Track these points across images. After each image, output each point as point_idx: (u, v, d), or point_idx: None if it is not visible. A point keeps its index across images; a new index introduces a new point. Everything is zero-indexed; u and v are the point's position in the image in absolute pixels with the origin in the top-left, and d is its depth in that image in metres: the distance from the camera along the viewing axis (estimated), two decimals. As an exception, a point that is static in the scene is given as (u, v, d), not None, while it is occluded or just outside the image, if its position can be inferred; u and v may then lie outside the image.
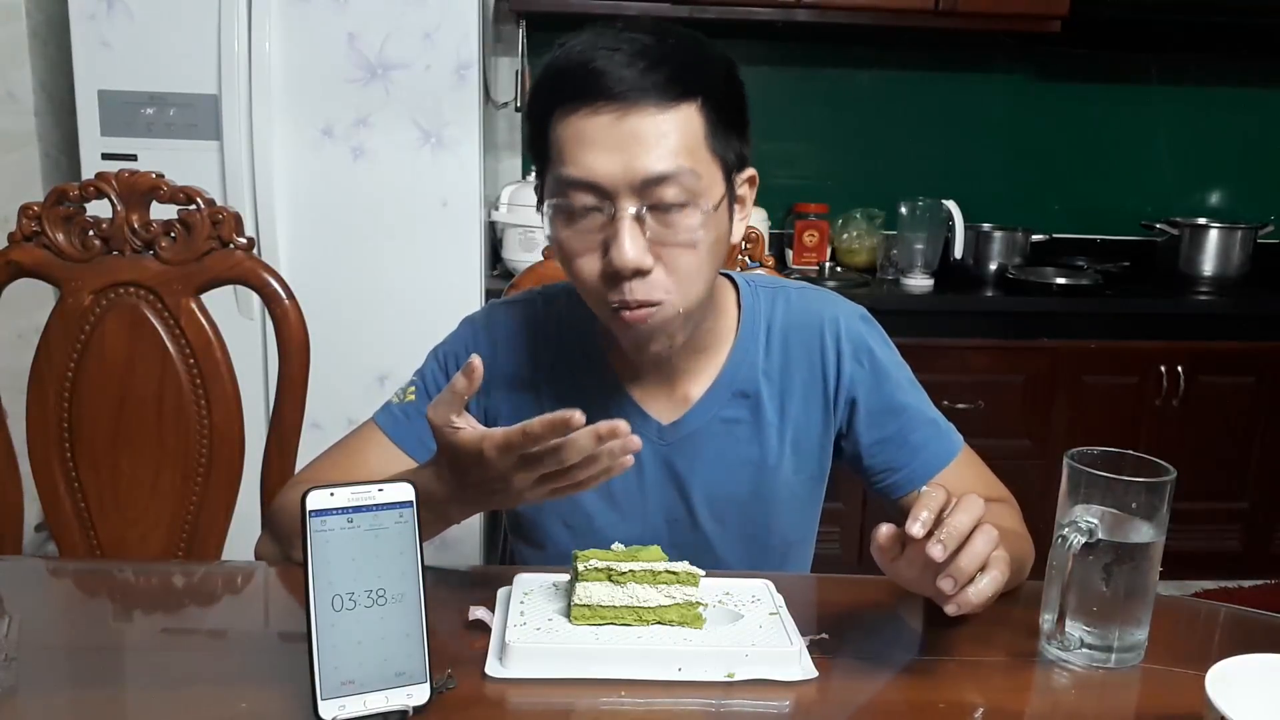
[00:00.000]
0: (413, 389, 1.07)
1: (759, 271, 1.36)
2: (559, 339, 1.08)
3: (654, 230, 0.89)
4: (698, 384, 1.05)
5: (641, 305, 0.91)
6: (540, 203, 0.96)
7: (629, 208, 0.88)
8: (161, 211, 1.29)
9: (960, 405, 2.56)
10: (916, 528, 0.75)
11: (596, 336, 1.07)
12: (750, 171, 0.99)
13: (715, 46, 0.94)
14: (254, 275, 1.28)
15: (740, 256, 1.39)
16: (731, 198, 0.96)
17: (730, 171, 0.95)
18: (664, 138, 0.88)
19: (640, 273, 0.89)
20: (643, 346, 0.96)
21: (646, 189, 0.88)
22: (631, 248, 0.87)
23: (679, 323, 0.94)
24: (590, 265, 0.91)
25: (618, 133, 0.87)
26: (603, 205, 0.89)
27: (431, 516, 0.86)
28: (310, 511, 0.72)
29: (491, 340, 1.08)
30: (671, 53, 0.89)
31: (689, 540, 1.06)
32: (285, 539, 1.03)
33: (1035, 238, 2.83)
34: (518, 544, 1.14)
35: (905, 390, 1.09)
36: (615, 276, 0.89)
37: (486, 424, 0.95)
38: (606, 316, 0.94)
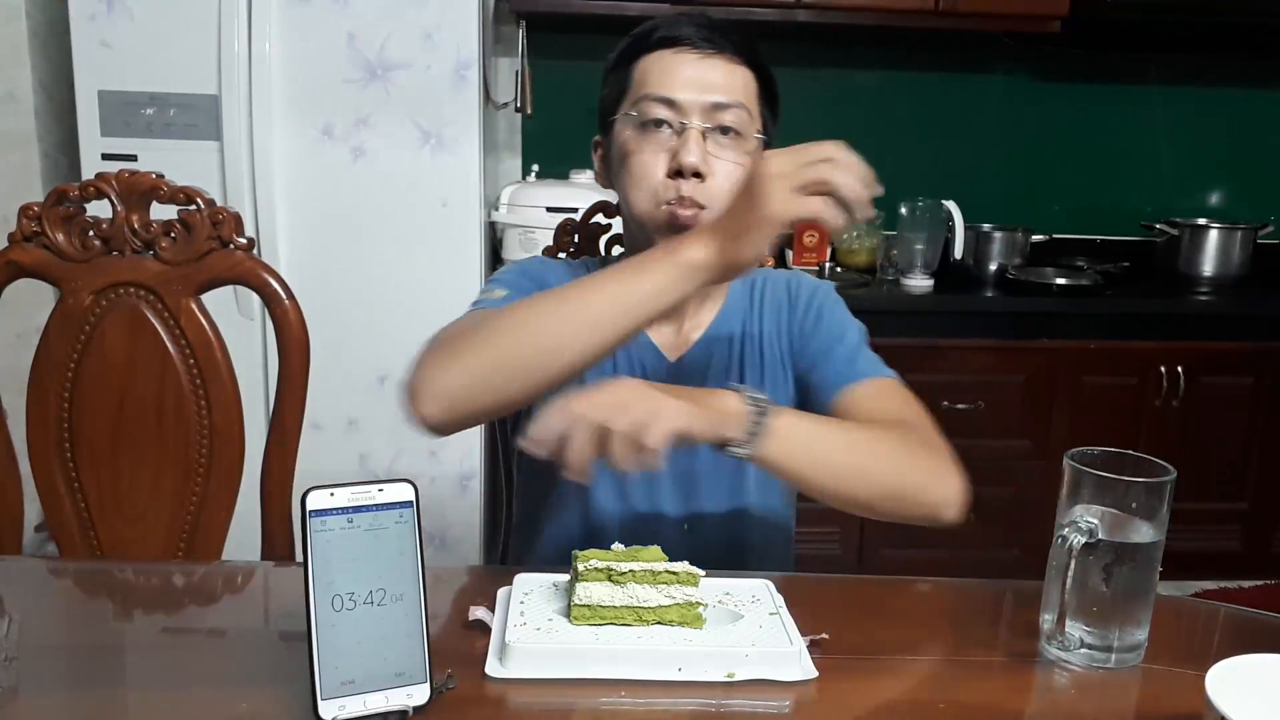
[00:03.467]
0: (499, 291, 1.09)
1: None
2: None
3: (712, 148, 1.06)
4: (697, 329, 1.18)
5: (693, 204, 1.05)
6: (597, 152, 1.17)
7: (698, 123, 1.06)
8: (161, 212, 1.29)
9: (960, 405, 2.57)
10: None
11: None
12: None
13: None
14: (254, 275, 1.28)
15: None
16: (765, 147, 1.11)
17: (767, 134, 1.13)
18: (731, 80, 1.08)
19: (698, 175, 1.05)
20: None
21: (713, 111, 1.06)
22: (697, 150, 1.05)
23: None
24: (654, 165, 1.07)
25: (697, 69, 1.08)
26: (674, 120, 1.06)
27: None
28: (310, 511, 0.72)
29: (546, 269, 1.19)
30: (738, 33, 1.12)
31: (686, 469, 1.13)
32: (481, 349, 0.94)
33: (1035, 238, 2.83)
34: (520, 497, 1.18)
35: (849, 329, 1.19)
36: (678, 174, 1.05)
37: None
38: (653, 215, 1.07)
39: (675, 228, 1.05)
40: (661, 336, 1.17)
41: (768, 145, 1.12)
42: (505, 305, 0.98)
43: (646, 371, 1.14)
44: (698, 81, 1.07)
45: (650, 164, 1.07)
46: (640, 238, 1.10)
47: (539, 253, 1.40)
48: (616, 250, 1.42)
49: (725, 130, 1.07)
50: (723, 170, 1.06)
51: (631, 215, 1.11)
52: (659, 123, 1.07)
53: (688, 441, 0.87)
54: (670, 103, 1.06)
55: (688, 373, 1.15)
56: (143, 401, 1.30)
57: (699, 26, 1.09)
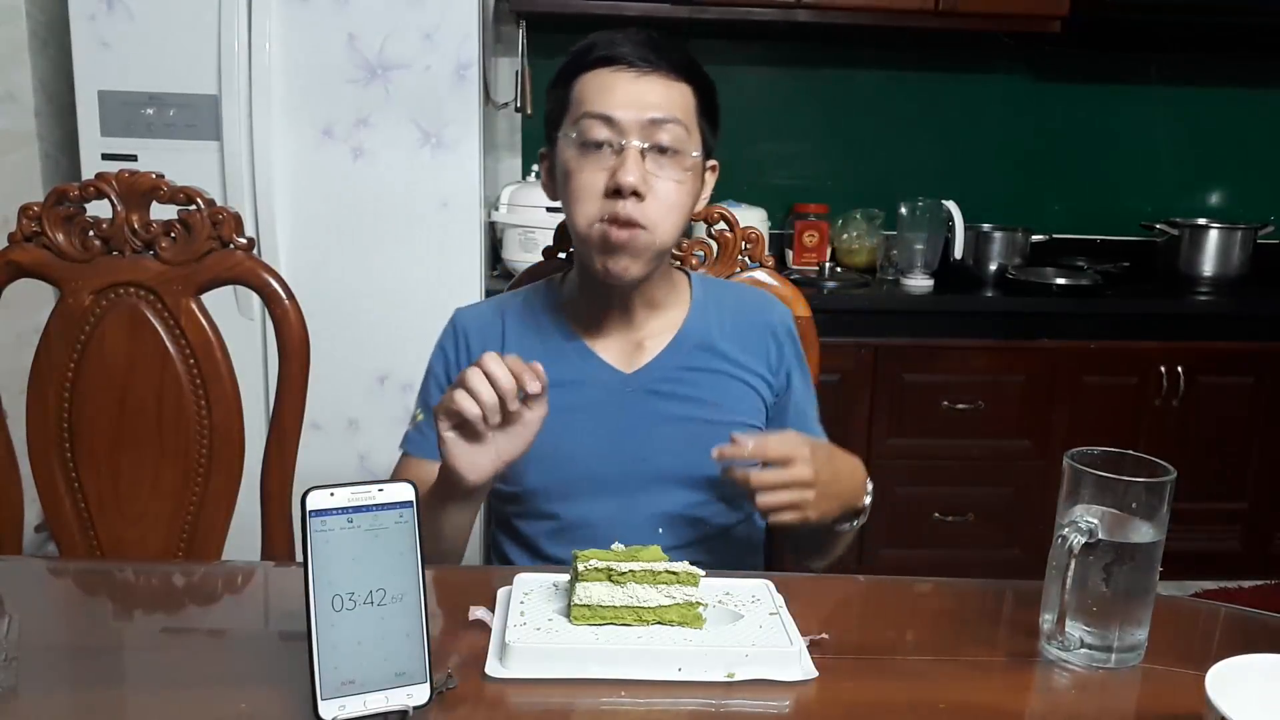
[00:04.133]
0: (418, 411, 1.19)
1: (758, 273, 1.38)
2: (529, 317, 1.22)
3: (651, 167, 1.09)
4: (656, 339, 1.20)
5: (628, 224, 1.07)
6: (544, 162, 1.19)
7: (635, 142, 1.08)
8: (161, 212, 1.29)
9: (960, 405, 2.57)
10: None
11: (560, 308, 1.21)
12: (714, 161, 1.20)
13: None
14: (254, 275, 1.28)
15: (740, 257, 1.39)
16: (703, 167, 1.17)
17: (707, 148, 1.16)
18: (668, 97, 1.11)
19: (636, 195, 1.07)
20: (609, 264, 1.10)
21: (651, 128, 1.08)
22: (635, 170, 1.07)
23: (649, 254, 1.10)
24: (593, 183, 1.09)
25: (635, 87, 1.09)
26: (613, 139, 1.08)
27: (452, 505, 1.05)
28: (310, 511, 0.72)
29: (463, 335, 1.22)
30: (677, 48, 1.13)
31: (643, 480, 1.16)
32: None
33: (1035, 238, 2.83)
34: (502, 507, 1.20)
35: (810, 401, 1.26)
36: (615, 193, 1.07)
37: None
38: (590, 233, 1.09)
39: (609, 246, 1.09)
40: (612, 352, 1.19)
41: (710, 153, 1.17)
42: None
43: (602, 388, 1.16)
44: (635, 100, 1.08)
45: (588, 184, 1.09)
46: (583, 253, 1.14)
47: (539, 253, 1.40)
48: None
49: (663, 149, 1.09)
50: (662, 190, 1.09)
51: (573, 232, 1.13)
52: (599, 144, 1.09)
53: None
54: (608, 120, 1.08)
55: (644, 384, 1.17)
56: (143, 402, 1.30)
57: (636, 45, 1.10)
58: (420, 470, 1.13)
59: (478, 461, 0.98)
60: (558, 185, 1.16)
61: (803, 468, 0.99)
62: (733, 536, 1.20)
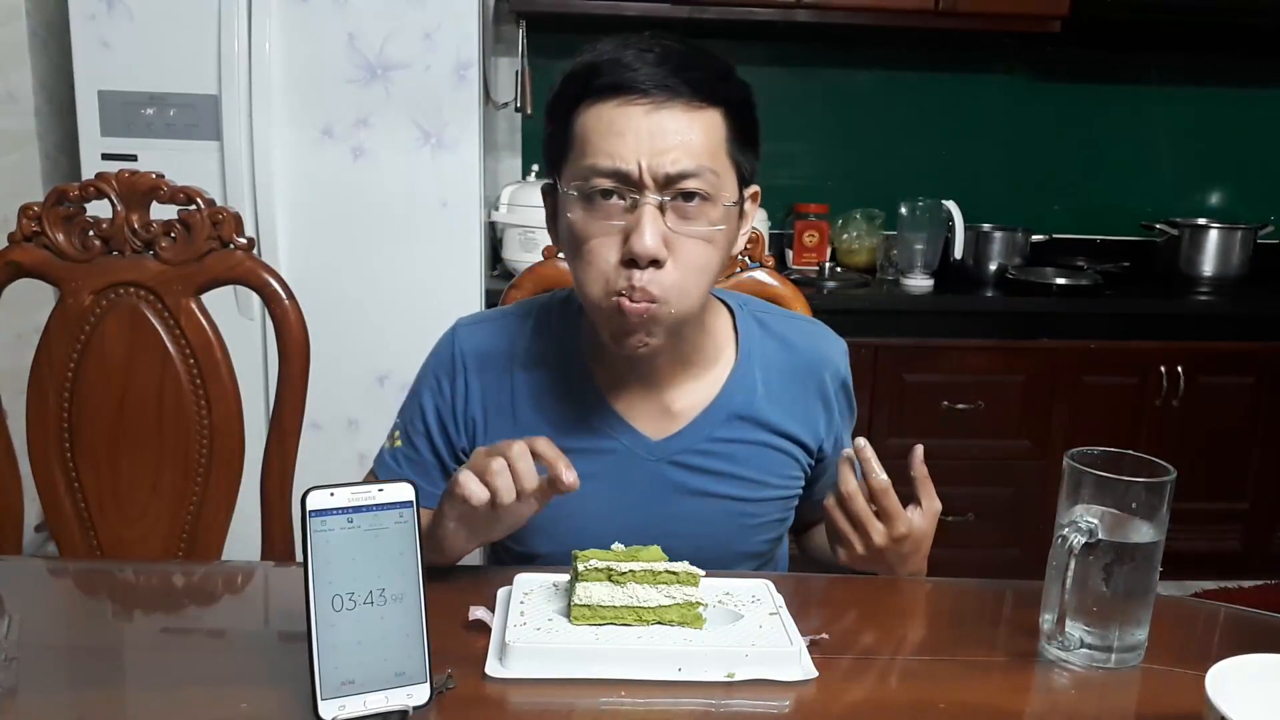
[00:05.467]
0: (398, 434, 1.11)
1: (758, 273, 1.36)
2: (539, 354, 1.08)
3: (672, 222, 0.91)
4: (688, 401, 1.06)
5: (645, 298, 0.91)
6: (548, 200, 1.01)
7: (652, 197, 0.90)
8: (161, 212, 1.29)
9: (960, 405, 2.56)
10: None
11: (580, 351, 1.07)
12: (755, 187, 1.02)
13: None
14: (254, 275, 1.28)
15: (740, 256, 1.39)
16: (740, 207, 0.99)
17: (743, 181, 0.98)
18: (690, 136, 0.91)
19: (655, 263, 0.91)
20: (623, 339, 0.96)
21: (670, 181, 0.90)
22: (652, 236, 0.89)
23: (668, 323, 0.95)
24: (604, 250, 0.92)
25: (648, 125, 0.90)
26: (625, 193, 0.91)
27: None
28: (310, 511, 0.72)
29: (461, 370, 1.08)
30: (701, 62, 0.93)
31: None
32: None
33: (1035, 238, 2.83)
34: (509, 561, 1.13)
35: None
36: (630, 263, 0.91)
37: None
38: (601, 304, 0.94)
39: (624, 322, 0.93)
40: (639, 414, 1.05)
41: (750, 180, 0.99)
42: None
43: (625, 456, 1.04)
44: (650, 145, 0.89)
45: (599, 250, 0.92)
46: (595, 321, 0.99)
47: (539, 253, 1.39)
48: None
49: (689, 196, 0.91)
50: (685, 253, 0.91)
51: (581, 298, 0.98)
52: (608, 193, 0.91)
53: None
54: (619, 174, 0.90)
55: (671, 454, 1.05)
56: (143, 401, 1.30)
57: (648, 66, 0.90)
58: None
59: (455, 548, 0.94)
60: (561, 237, 0.99)
61: (898, 526, 0.96)
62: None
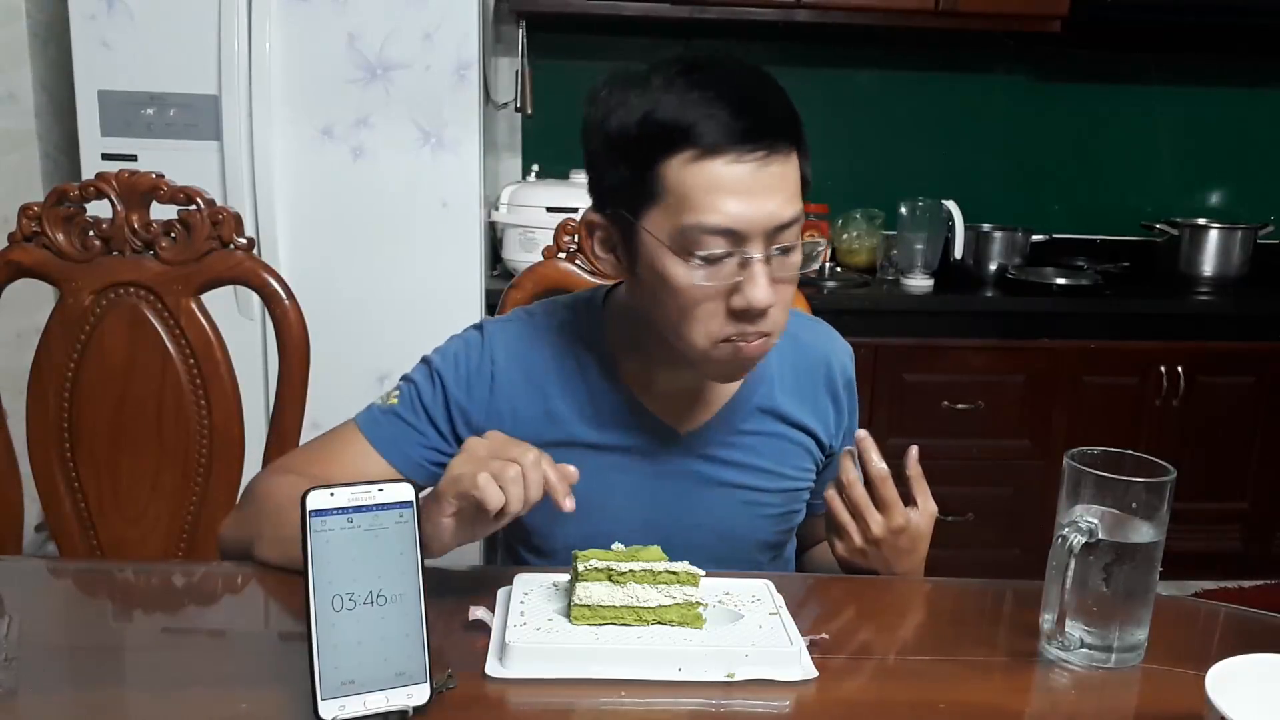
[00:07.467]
0: (397, 392, 1.07)
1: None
2: (568, 350, 1.08)
3: (775, 270, 0.93)
4: (715, 395, 1.08)
5: (759, 337, 0.95)
6: (607, 229, 0.99)
7: (762, 252, 0.91)
8: (161, 212, 1.29)
9: (960, 405, 2.56)
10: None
11: (608, 348, 1.07)
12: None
13: None
14: (254, 275, 1.28)
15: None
16: None
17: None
18: (789, 183, 0.93)
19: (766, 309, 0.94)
20: (736, 374, 1.02)
21: (775, 234, 0.92)
22: (765, 288, 0.92)
23: (769, 349, 0.99)
24: (715, 305, 0.93)
25: (759, 180, 0.90)
26: (734, 250, 0.91)
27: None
28: (310, 511, 0.72)
29: (489, 358, 1.07)
30: (780, 101, 0.96)
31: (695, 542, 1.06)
32: (253, 526, 1.00)
33: (1035, 238, 2.83)
34: (526, 554, 1.12)
35: None
36: (744, 314, 0.93)
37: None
38: (710, 352, 0.95)
39: (740, 364, 0.98)
40: (666, 406, 1.07)
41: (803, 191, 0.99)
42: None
43: (650, 449, 1.06)
44: (761, 200, 0.90)
45: (711, 307, 0.93)
46: (690, 359, 0.98)
47: (539, 253, 1.39)
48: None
49: (786, 250, 0.94)
50: (783, 291, 0.95)
51: (679, 346, 0.97)
52: (719, 256, 0.91)
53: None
54: (728, 233, 0.90)
55: (697, 447, 1.07)
56: (143, 401, 1.30)
57: (744, 116, 0.90)
58: (363, 456, 1.04)
59: (447, 541, 0.88)
60: (646, 279, 0.96)
61: (895, 517, 0.98)
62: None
